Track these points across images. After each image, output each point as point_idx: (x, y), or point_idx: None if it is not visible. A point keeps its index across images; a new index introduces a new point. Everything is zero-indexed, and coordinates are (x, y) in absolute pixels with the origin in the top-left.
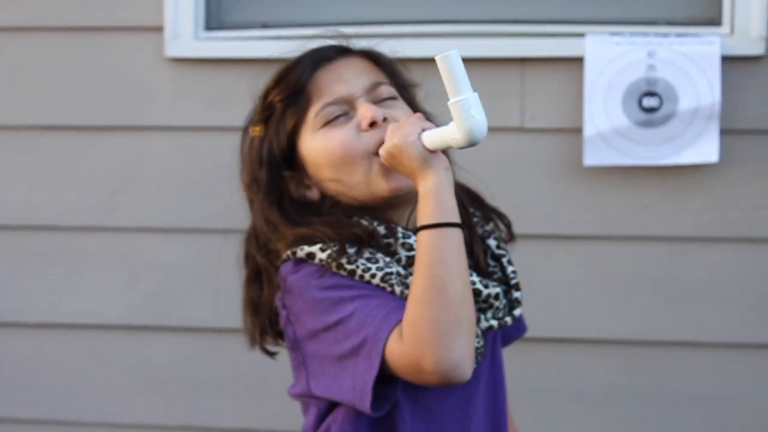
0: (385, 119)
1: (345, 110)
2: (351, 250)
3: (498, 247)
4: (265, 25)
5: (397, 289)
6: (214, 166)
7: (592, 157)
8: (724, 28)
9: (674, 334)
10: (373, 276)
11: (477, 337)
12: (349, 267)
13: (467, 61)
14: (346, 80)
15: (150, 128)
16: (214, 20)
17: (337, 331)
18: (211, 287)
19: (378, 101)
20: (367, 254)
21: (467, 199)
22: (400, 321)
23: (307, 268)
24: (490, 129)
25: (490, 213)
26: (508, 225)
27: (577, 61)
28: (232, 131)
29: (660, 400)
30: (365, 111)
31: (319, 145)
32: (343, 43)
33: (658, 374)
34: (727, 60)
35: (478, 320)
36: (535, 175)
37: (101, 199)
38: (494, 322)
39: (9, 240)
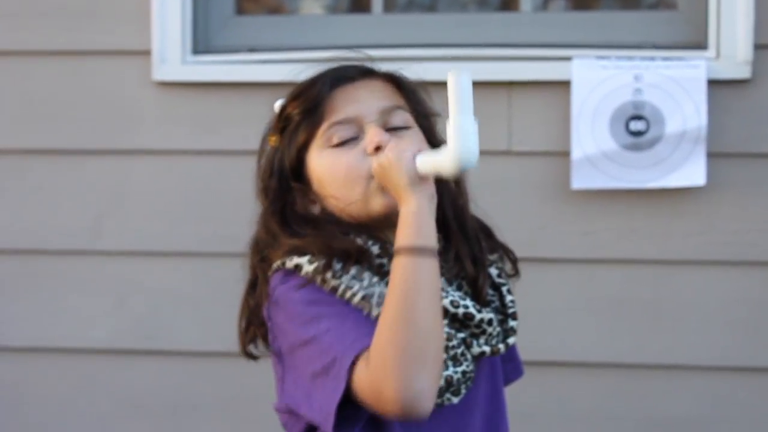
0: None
1: (354, 133)
2: (338, 266)
3: (499, 276)
4: (252, 49)
5: (375, 312)
6: (201, 189)
7: (579, 181)
8: (710, 52)
9: (662, 358)
10: (354, 295)
11: (467, 361)
12: (333, 283)
13: None
14: (361, 101)
15: (137, 152)
16: (202, 44)
17: (312, 347)
18: (197, 311)
19: (389, 128)
20: (353, 271)
21: (479, 230)
22: (368, 347)
23: (293, 280)
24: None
25: (498, 247)
26: (514, 261)
27: (564, 85)
28: (219, 155)
29: (648, 424)
30: (372, 135)
31: (325, 164)
32: (368, 64)
33: (645, 397)
34: (714, 84)
35: (470, 345)
36: (523, 198)
37: (87, 222)
38: (486, 348)
39: None
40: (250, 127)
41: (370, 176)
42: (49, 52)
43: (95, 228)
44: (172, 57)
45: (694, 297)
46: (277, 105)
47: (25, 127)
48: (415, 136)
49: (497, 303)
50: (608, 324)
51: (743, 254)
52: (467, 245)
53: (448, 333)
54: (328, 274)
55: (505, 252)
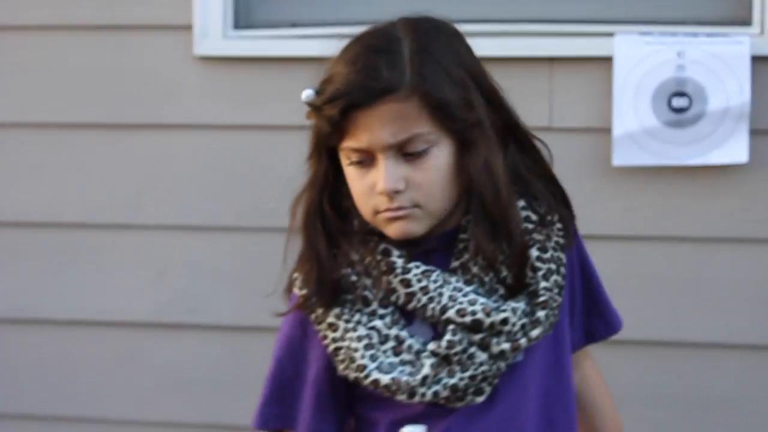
0: (397, 191)
1: (369, 156)
2: (319, 311)
3: (538, 258)
4: (294, 24)
5: (340, 368)
6: (242, 164)
7: (620, 158)
8: (754, 28)
9: (702, 335)
10: (327, 345)
11: (475, 365)
12: (316, 327)
13: (496, 60)
14: (373, 131)
15: (178, 126)
16: (243, 19)
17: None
18: (237, 285)
19: (406, 154)
20: (331, 318)
21: (526, 200)
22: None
23: (291, 303)
24: None
25: (552, 213)
26: (566, 229)
27: (606, 61)
28: (260, 130)
29: (686, 402)
30: (380, 178)
31: (347, 175)
32: (390, 76)
33: (684, 375)
34: (758, 60)
35: (489, 345)
36: (563, 174)
37: (129, 196)
38: (506, 346)
39: (37, 237)
40: (291, 102)
41: (376, 212)
42: (90, 27)
43: (136, 202)
44: (213, 31)
45: (734, 275)
46: (305, 96)
47: (67, 102)
48: (434, 159)
49: (535, 286)
50: (648, 301)
51: None
52: (495, 241)
53: (450, 341)
54: (312, 316)
55: (561, 219)
